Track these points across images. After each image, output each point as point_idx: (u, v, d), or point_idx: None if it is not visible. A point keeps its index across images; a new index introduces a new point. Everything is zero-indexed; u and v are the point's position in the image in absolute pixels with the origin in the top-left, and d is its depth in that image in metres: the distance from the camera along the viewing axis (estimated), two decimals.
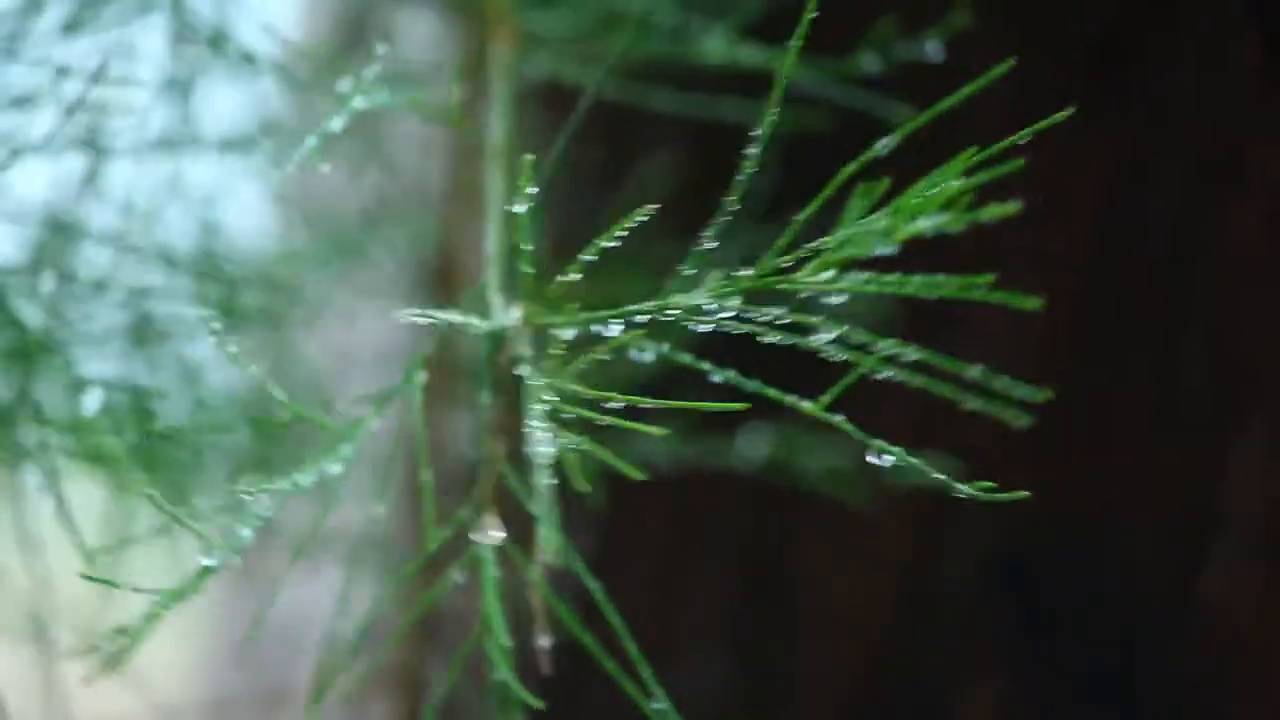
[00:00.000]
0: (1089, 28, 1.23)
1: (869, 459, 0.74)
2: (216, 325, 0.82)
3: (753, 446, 1.15)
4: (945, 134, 1.21)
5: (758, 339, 0.72)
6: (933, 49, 0.97)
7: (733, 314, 0.72)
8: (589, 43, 1.03)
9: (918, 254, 1.20)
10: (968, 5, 0.98)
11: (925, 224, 0.65)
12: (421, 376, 0.82)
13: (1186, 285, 1.22)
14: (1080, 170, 1.21)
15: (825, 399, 0.74)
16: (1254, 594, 1.22)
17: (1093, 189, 1.22)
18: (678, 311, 0.73)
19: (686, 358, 0.77)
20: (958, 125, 1.23)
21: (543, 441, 0.71)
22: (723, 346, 0.81)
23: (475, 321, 0.77)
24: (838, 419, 0.74)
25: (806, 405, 0.75)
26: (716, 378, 0.77)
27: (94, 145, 1.03)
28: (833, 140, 0.86)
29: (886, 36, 0.97)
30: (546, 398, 0.72)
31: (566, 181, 1.11)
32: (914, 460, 0.72)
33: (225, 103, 1.06)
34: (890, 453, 0.74)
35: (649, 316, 0.74)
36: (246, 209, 1.09)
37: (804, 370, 1.07)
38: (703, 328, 0.73)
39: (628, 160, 1.17)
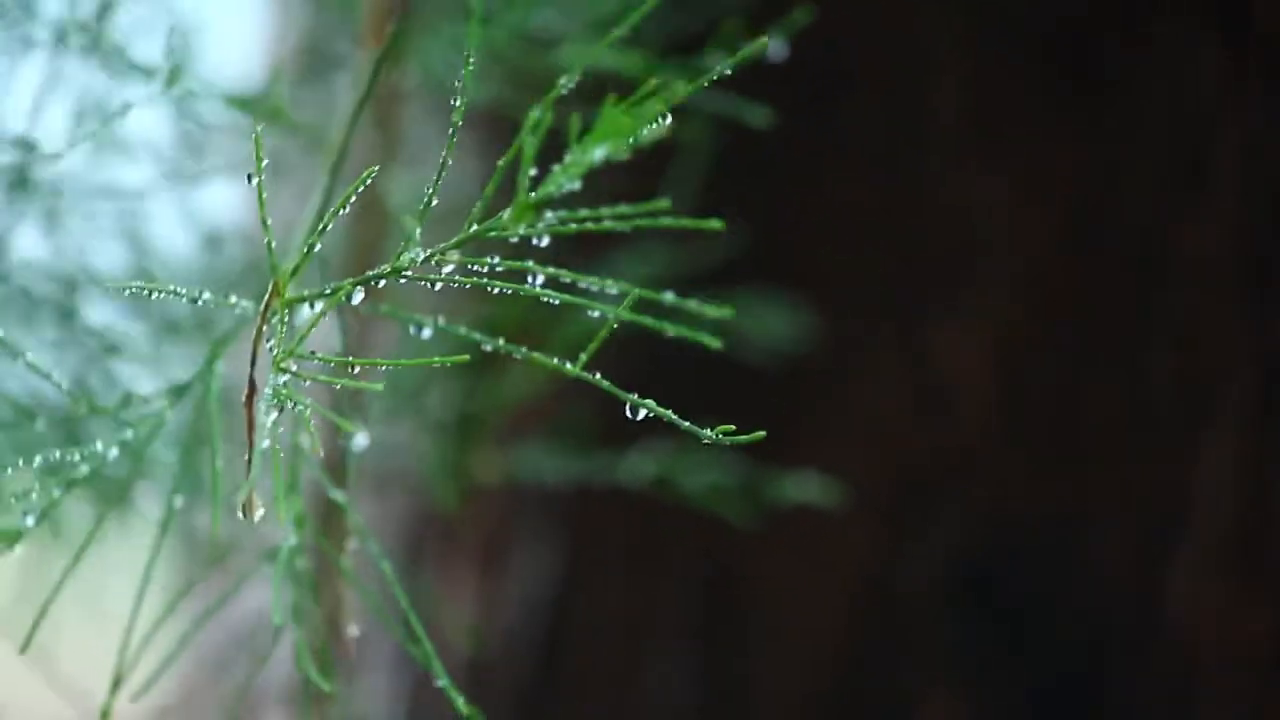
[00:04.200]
0: (1057, 30, 1.22)
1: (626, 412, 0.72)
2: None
3: (641, 465, 1.15)
4: (922, 131, 1.20)
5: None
6: (775, 48, 0.96)
7: (451, 268, 0.71)
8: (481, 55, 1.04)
9: (886, 250, 1.18)
10: (807, 7, 0.97)
11: (597, 154, 0.63)
12: (219, 366, 0.82)
13: (1154, 290, 1.20)
14: (1049, 174, 1.20)
15: (584, 357, 0.73)
16: (1217, 604, 1.19)
17: (1061, 191, 1.20)
18: (406, 272, 0.72)
19: (460, 329, 0.77)
20: (931, 122, 1.21)
21: (269, 406, 0.71)
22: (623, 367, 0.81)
23: (237, 301, 0.77)
24: (593, 377, 0.73)
25: (569, 367, 0.73)
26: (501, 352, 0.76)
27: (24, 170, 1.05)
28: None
29: (732, 36, 0.96)
30: (282, 365, 0.72)
31: (462, 187, 1.12)
32: (665, 412, 0.70)
33: (152, 119, 1.08)
34: (643, 405, 0.72)
35: (384, 281, 0.73)
36: (174, 223, 1.11)
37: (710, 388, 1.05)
38: (439, 286, 0.72)
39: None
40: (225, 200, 1.18)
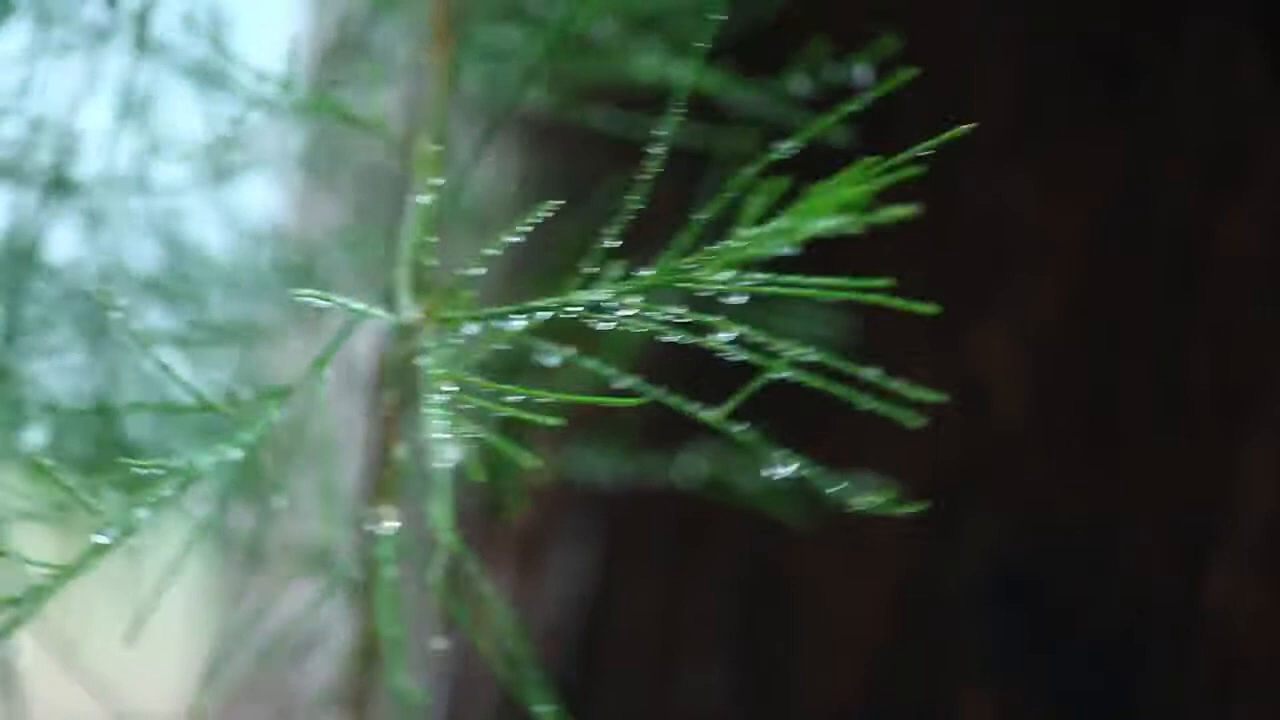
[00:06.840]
0: (1095, 29, 1.24)
1: (767, 471, 0.73)
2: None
3: (693, 465, 1.16)
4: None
5: (667, 340, 0.72)
6: (861, 73, 0.98)
7: (633, 312, 0.71)
8: (537, 61, 1.03)
9: (921, 250, 1.20)
10: (896, 33, 0.98)
11: (824, 225, 0.65)
12: (327, 371, 0.82)
13: (1192, 288, 1.23)
14: (1086, 174, 1.22)
15: (728, 406, 0.74)
16: (1256, 603, 1.22)
17: (1098, 190, 1.22)
18: (579, 308, 0.73)
19: (591, 362, 0.77)
20: (969, 122, 1.23)
21: (438, 430, 0.71)
22: (671, 366, 0.82)
23: (379, 313, 0.77)
24: (737, 429, 0.74)
25: (707, 414, 0.75)
26: (624, 384, 0.77)
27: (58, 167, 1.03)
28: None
29: (817, 59, 0.97)
30: (444, 388, 0.72)
31: (530, 201, 1.12)
32: (814, 473, 0.72)
33: (190, 117, 1.06)
34: (791, 463, 0.74)
35: (551, 314, 0.74)
36: (213, 222, 1.09)
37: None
38: (603, 325, 0.73)
39: (594, 181, 1.18)
40: (262, 196, 1.16)
